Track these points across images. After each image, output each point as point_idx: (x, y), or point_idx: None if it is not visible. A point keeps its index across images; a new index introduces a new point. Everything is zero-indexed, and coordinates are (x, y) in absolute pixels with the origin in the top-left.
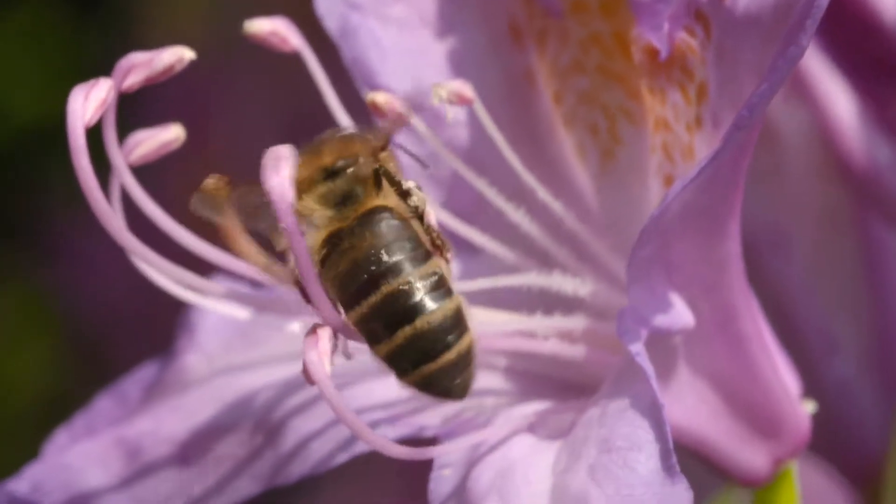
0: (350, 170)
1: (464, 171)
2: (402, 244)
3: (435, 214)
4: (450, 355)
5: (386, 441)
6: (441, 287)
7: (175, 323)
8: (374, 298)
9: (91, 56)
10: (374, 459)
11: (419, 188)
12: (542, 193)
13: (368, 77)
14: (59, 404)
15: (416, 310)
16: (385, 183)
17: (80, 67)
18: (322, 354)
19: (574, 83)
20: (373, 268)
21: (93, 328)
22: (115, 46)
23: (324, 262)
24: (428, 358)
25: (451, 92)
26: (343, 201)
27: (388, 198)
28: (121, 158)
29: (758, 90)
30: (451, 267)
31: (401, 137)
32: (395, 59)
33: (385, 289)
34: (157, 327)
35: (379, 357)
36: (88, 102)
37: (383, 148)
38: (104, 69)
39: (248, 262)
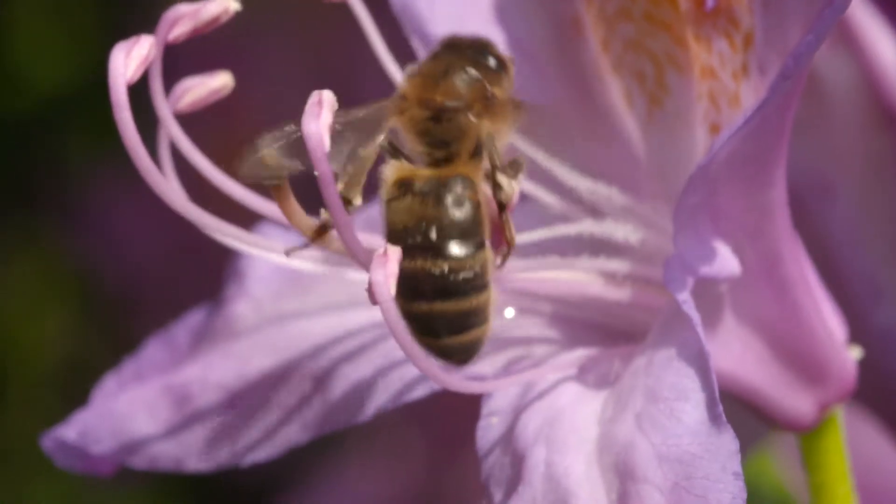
0: (455, 121)
1: None
2: (457, 228)
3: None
4: (452, 341)
5: (439, 370)
6: (475, 281)
7: (196, 288)
8: (406, 264)
9: (114, 25)
10: (402, 436)
11: (517, 169)
12: (590, 142)
13: (417, 24)
14: (81, 369)
15: (437, 294)
16: (484, 154)
17: (103, 37)
18: (389, 276)
19: (621, 30)
20: (418, 238)
21: (114, 294)
22: (138, 15)
23: (389, 203)
24: (433, 335)
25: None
26: (438, 145)
27: (476, 170)
28: (167, 110)
29: (804, 40)
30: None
31: None
32: (443, 5)
33: (419, 262)
34: (179, 293)
35: (399, 310)
36: (130, 59)
37: (495, 100)
38: (127, 38)
39: (297, 225)
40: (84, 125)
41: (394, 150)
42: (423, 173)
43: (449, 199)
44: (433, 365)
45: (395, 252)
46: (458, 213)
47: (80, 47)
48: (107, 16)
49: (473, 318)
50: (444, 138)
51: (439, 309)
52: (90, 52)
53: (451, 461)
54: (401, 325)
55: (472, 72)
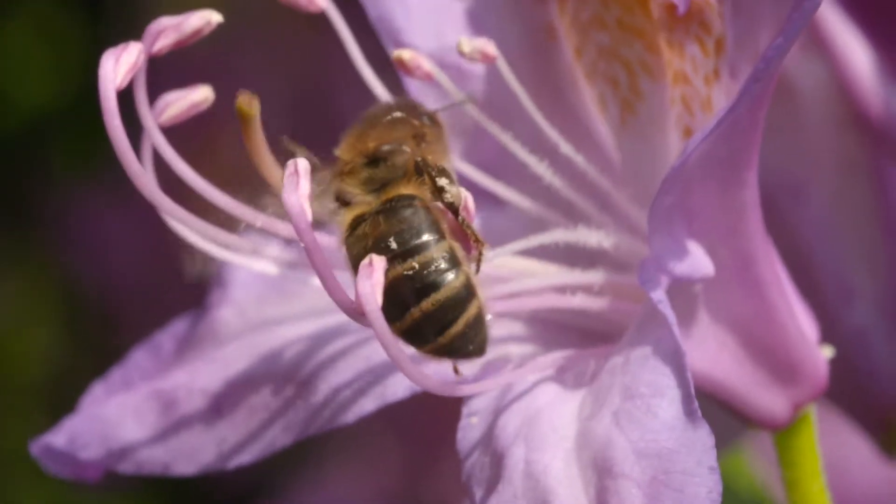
0: (391, 160)
1: (487, 125)
2: (413, 229)
3: (459, 168)
4: (458, 328)
5: (424, 375)
6: (449, 266)
7: (180, 302)
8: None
9: (99, 43)
10: (380, 442)
11: (447, 174)
12: (565, 146)
13: (393, 34)
14: (67, 382)
15: (420, 294)
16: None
17: (88, 55)
18: (375, 286)
19: (594, 38)
20: (381, 255)
21: (99, 308)
22: (124, 33)
23: (347, 241)
24: (438, 334)
25: (474, 48)
26: (382, 187)
27: (419, 187)
28: (151, 118)
29: (774, 43)
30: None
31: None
32: (419, 15)
33: (391, 274)
34: (163, 307)
35: (395, 335)
36: (119, 66)
37: (426, 134)
38: None
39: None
40: (69, 142)
41: (344, 203)
42: (372, 206)
43: (398, 210)
44: (417, 369)
45: (380, 261)
46: (409, 217)
47: (65, 65)
48: (92, 34)
49: (465, 296)
50: (385, 178)
51: (429, 308)
52: (75, 70)
53: (428, 467)
54: (388, 333)
55: (398, 114)
